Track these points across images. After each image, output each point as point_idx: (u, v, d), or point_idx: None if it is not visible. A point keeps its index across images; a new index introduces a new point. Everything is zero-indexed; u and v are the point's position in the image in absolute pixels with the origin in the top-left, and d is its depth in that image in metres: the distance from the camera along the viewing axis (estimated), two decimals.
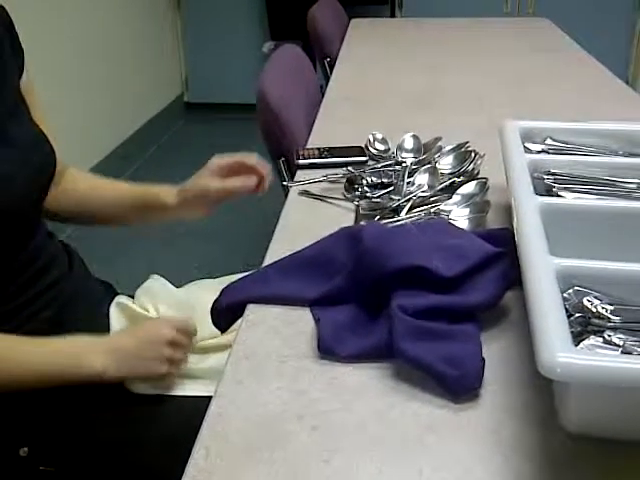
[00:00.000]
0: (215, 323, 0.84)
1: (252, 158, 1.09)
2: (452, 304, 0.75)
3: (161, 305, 1.06)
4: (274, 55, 1.72)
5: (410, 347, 0.69)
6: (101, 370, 0.86)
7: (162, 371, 0.89)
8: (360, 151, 1.27)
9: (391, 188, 1.11)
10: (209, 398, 0.69)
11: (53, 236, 1.03)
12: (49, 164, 0.97)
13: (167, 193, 1.08)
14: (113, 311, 1.03)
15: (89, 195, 1.11)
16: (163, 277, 1.16)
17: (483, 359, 0.70)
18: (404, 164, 1.17)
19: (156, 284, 1.12)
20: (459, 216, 1.01)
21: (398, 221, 1.00)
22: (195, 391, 0.95)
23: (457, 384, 0.67)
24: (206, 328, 1.03)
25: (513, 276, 0.76)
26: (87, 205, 1.11)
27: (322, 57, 2.49)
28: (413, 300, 0.74)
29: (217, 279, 1.16)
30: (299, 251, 0.88)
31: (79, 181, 1.11)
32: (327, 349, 0.74)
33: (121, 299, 1.05)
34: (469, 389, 0.68)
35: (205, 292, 1.13)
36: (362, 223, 1.00)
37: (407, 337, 0.70)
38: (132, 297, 1.09)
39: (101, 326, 1.01)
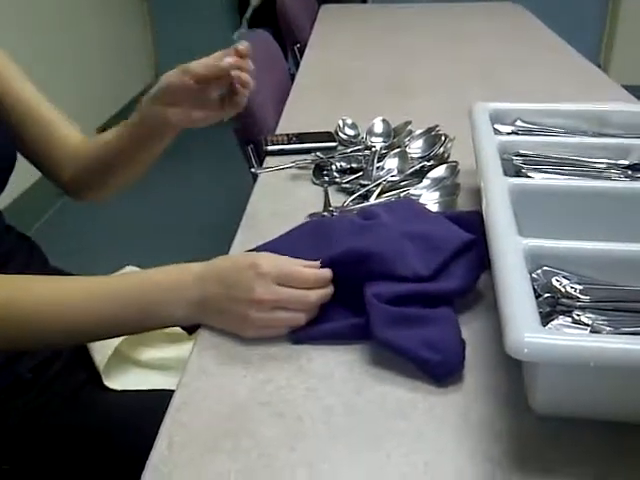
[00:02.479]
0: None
1: (227, 57, 0.91)
2: (427, 291, 0.74)
3: None
4: (243, 38, 1.69)
5: (390, 334, 0.68)
6: (180, 320, 0.76)
7: (248, 335, 0.73)
8: (329, 136, 1.26)
9: (360, 173, 1.10)
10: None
11: (11, 230, 1.00)
12: (6, 157, 0.93)
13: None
14: None
15: (101, 150, 1.02)
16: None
17: (463, 341, 0.69)
18: (373, 149, 1.16)
19: (129, 270, 1.10)
20: (429, 200, 1.00)
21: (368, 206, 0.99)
22: (167, 384, 0.93)
23: (440, 368, 0.66)
24: None
25: (486, 260, 0.75)
26: (100, 163, 1.02)
27: (292, 43, 2.47)
28: (387, 288, 0.73)
29: None
30: (265, 244, 0.86)
31: (87, 144, 1.04)
32: (299, 338, 0.73)
33: None
34: (452, 372, 0.67)
35: None
36: (332, 211, 0.99)
37: (385, 325, 0.69)
38: None
39: None
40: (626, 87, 1.60)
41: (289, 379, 0.68)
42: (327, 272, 0.75)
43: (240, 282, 0.72)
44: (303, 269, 0.74)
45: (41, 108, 1.00)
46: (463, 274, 0.77)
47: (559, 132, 1.02)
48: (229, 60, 0.88)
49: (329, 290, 0.75)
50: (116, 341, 0.94)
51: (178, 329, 1.00)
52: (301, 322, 0.73)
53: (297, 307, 0.73)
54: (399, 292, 0.73)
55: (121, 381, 0.94)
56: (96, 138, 1.04)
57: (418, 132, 1.18)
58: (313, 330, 0.73)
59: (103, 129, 1.04)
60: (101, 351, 0.93)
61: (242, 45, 0.90)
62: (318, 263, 0.76)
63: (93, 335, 0.81)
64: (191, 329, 0.76)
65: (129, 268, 1.09)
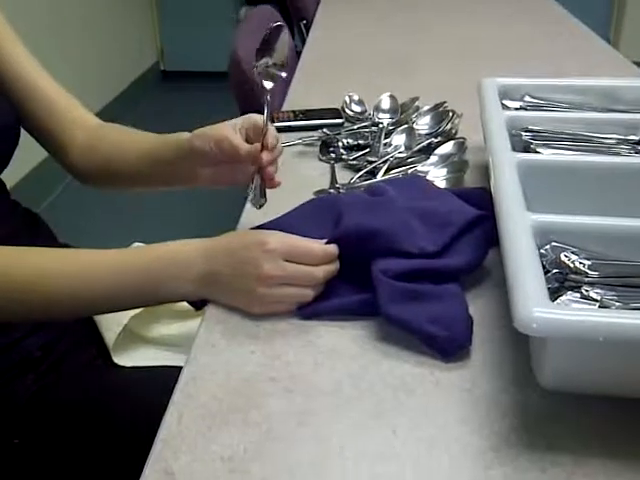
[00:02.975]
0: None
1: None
2: (434, 267, 0.74)
3: None
4: (248, 15, 1.68)
5: (398, 310, 0.69)
6: (186, 295, 0.76)
7: (255, 311, 0.73)
8: (336, 113, 1.25)
9: (367, 150, 1.09)
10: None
11: (17, 206, 0.99)
12: (9, 130, 0.92)
13: (183, 136, 0.92)
14: None
15: (117, 148, 1.00)
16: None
17: (470, 317, 0.69)
18: (380, 125, 1.15)
19: (137, 246, 1.10)
20: (436, 176, 1.00)
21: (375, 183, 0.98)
22: (176, 360, 0.93)
23: (448, 344, 0.66)
24: None
25: (493, 237, 0.74)
26: (114, 159, 0.99)
27: (298, 20, 2.45)
28: (394, 264, 0.73)
29: None
30: (271, 221, 0.85)
31: (107, 134, 1.02)
32: (307, 314, 0.73)
33: None
34: (459, 348, 0.67)
35: None
36: (339, 188, 0.98)
37: (393, 300, 0.69)
38: None
39: None
40: (636, 63, 1.58)
41: (297, 354, 0.68)
42: (334, 248, 0.75)
43: (247, 258, 0.72)
44: (310, 245, 0.74)
45: (45, 88, 0.98)
46: (470, 250, 0.77)
47: (568, 108, 1.01)
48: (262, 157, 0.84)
49: (335, 266, 0.75)
50: (125, 318, 0.94)
51: (186, 305, 1.00)
52: (309, 298, 0.73)
53: (304, 283, 0.73)
54: (406, 268, 0.73)
55: (130, 358, 0.94)
56: (121, 134, 1.02)
57: (425, 108, 1.17)
58: (320, 306, 0.73)
59: (103, 112, 1.03)
60: (110, 328, 0.94)
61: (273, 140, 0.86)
62: (324, 240, 0.76)
63: (97, 307, 0.81)
64: (199, 305, 0.77)
65: (136, 244, 1.09)
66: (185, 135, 0.89)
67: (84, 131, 1.00)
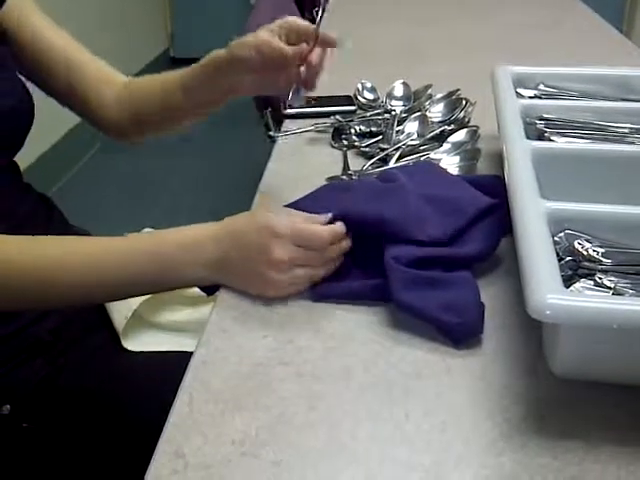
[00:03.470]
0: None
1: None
2: (445, 255, 0.74)
3: None
4: (260, 1, 1.68)
5: (410, 297, 0.68)
6: (197, 281, 0.77)
7: (269, 295, 0.73)
8: (349, 100, 1.25)
9: (380, 137, 1.09)
10: None
11: (30, 189, 1.00)
12: (23, 111, 0.93)
13: (218, 52, 0.91)
14: None
15: (146, 88, 1.01)
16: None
17: (482, 304, 0.69)
18: (393, 112, 1.15)
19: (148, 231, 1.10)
20: (449, 164, 0.99)
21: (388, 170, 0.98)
22: (186, 346, 0.94)
23: (460, 331, 0.66)
24: None
25: (506, 225, 0.74)
26: (143, 106, 1.01)
27: (311, 7, 2.44)
28: (406, 251, 0.73)
29: None
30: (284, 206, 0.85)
31: (135, 84, 1.03)
32: (319, 296, 0.73)
33: None
34: (472, 335, 0.67)
35: None
36: (351, 174, 0.98)
37: (405, 287, 0.69)
38: None
39: None
40: None
41: (309, 340, 0.68)
42: (341, 227, 0.74)
43: (257, 244, 0.72)
44: (317, 229, 0.74)
45: (66, 48, 0.99)
46: (483, 238, 0.76)
47: (582, 96, 1.01)
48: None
49: (346, 243, 0.75)
50: (135, 303, 0.95)
51: (197, 291, 1.00)
52: (320, 277, 0.73)
53: (316, 263, 0.73)
54: (418, 255, 0.72)
55: (140, 343, 0.95)
56: (150, 80, 1.03)
57: (438, 96, 1.17)
58: (332, 288, 0.73)
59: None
60: (120, 313, 0.94)
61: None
62: (330, 216, 0.75)
63: (109, 295, 0.82)
64: (210, 290, 0.77)
65: (147, 230, 1.09)
66: (219, 51, 0.90)
67: (112, 87, 1.00)
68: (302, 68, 0.88)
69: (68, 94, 1.00)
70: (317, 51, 0.88)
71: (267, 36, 0.85)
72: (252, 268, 0.72)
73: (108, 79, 1.01)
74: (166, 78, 0.98)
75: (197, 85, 0.93)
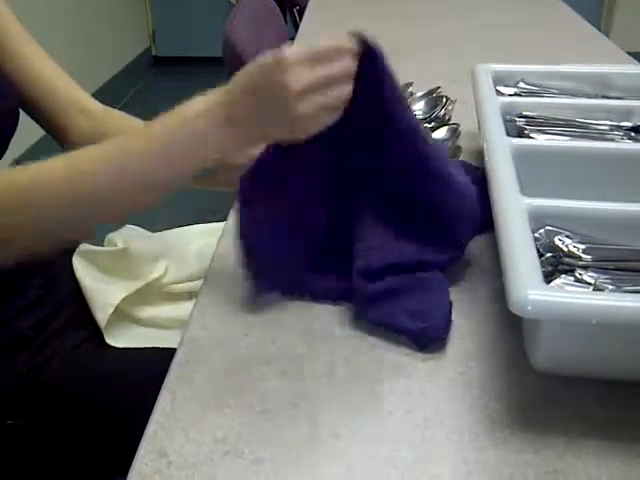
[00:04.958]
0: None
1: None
2: (418, 260, 0.72)
3: (133, 242, 1.03)
4: (241, 1, 1.67)
5: (376, 314, 0.68)
6: (220, 149, 0.68)
7: (299, 137, 0.66)
8: None
9: None
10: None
11: None
12: (10, 115, 0.92)
13: None
14: (76, 261, 0.99)
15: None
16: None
17: (450, 304, 0.69)
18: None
19: (130, 229, 1.09)
20: None
21: None
22: (169, 342, 0.93)
23: (422, 336, 0.66)
24: (179, 272, 1.01)
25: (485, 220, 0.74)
26: None
27: (291, 6, 2.44)
28: (376, 260, 0.71)
29: (190, 227, 1.14)
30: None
31: (112, 122, 0.99)
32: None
33: (84, 247, 1.02)
34: (435, 340, 0.66)
35: (179, 238, 1.11)
36: None
37: (371, 306, 0.69)
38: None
39: (67, 279, 0.98)
40: (628, 54, 1.58)
41: (292, 337, 0.68)
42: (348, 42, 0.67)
43: (270, 84, 0.64)
44: (327, 44, 0.66)
45: (48, 72, 0.97)
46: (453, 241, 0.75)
47: (562, 94, 1.01)
48: None
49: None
50: (117, 299, 0.94)
51: (178, 287, 1.00)
52: (348, 93, 0.66)
53: (340, 79, 0.65)
54: (389, 262, 0.71)
55: (123, 339, 0.94)
56: (133, 126, 0.98)
57: (419, 94, 1.17)
58: (304, 284, 0.73)
59: (95, 96, 1.02)
60: (103, 309, 0.93)
61: None
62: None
63: (137, 195, 0.74)
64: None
65: (130, 227, 1.09)
66: None
67: (87, 116, 0.99)
68: None
69: (45, 118, 0.97)
70: None
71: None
72: (274, 113, 0.65)
73: (85, 107, 0.99)
74: None
75: None
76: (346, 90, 0.66)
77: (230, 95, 0.67)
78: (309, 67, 0.64)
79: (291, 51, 0.64)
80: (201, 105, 0.67)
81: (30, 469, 0.86)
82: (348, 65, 0.66)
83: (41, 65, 0.96)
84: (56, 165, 0.71)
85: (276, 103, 0.64)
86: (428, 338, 0.66)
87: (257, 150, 0.71)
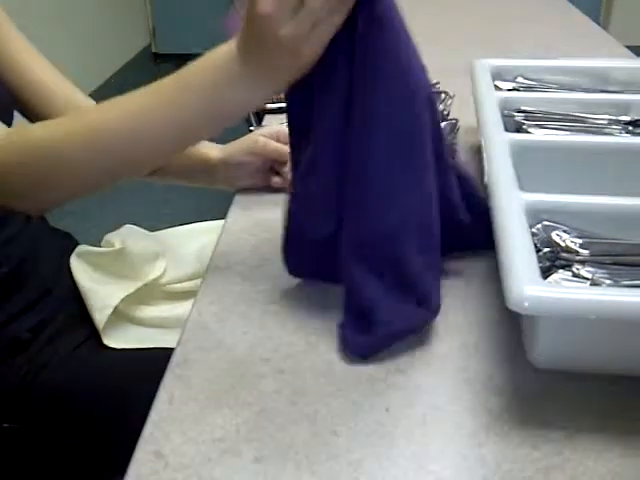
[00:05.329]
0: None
1: None
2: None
3: (130, 242, 1.03)
4: None
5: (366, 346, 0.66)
6: (243, 99, 0.66)
7: (306, 61, 0.62)
8: None
9: None
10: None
11: None
12: (4, 114, 0.91)
13: (210, 146, 0.97)
14: (74, 263, 0.99)
15: None
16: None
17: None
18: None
19: (128, 229, 1.09)
20: None
21: None
22: (167, 342, 0.93)
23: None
24: (177, 271, 1.01)
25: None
26: None
27: None
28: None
29: (189, 226, 1.14)
30: None
31: None
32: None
33: (82, 248, 1.02)
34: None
35: (177, 237, 1.11)
36: None
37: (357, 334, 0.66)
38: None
39: (65, 281, 0.98)
40: (626, 47, 1.58)
41: (290, 335, 0.68)
42: None
43: (254, 22, 0.61)
44: None
45: (40, 71, 0.97)
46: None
47: (560, 89, 1.01)
48: None
49: None
50: (116, 301, 0.94)
51: (177, 287, 1.00)
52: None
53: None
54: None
55: (120, 340, 0.94)
56: None
57: None
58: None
59: (93, 97, 1.02)
60: (101, 311, 0.93)
61: None
62: None
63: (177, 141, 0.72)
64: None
65: (128, 226, 1.09)
66: (211, 153, 0.95)
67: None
68: None
69: (38, 117, 0.98)
70: None
71: (264, 140, 0.92)
72: (265, 47, 0.62)
73: (75, 106, 0.98)
74: None
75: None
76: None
77: (236, 51, 0.64)
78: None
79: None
80: (216, 60, 0.66)
81: (27, 472, 0.86)
82: None
83: (34, 65, 0.96)
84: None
85: (263, 36, 0.61)
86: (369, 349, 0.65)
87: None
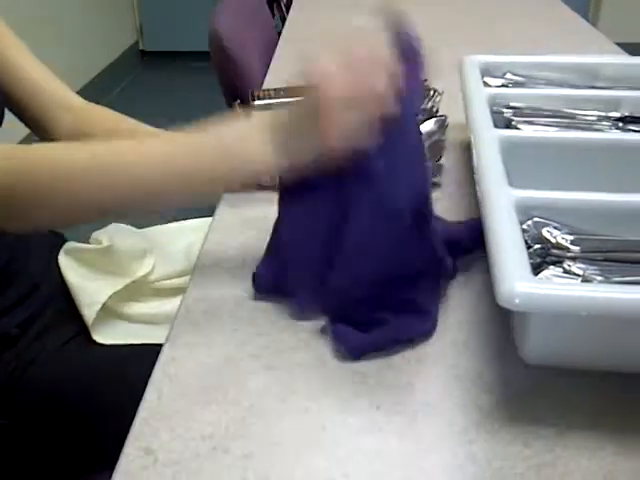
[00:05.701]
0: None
1: None
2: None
3: (118, 239, 1.02)
4: None
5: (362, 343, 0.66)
6: (262, 162, 0.67)
7: (336, 144, 0.63)
8: None
9: None
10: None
11: None
12: None
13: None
14: (62, 260, 0.99)
15: (107, 136, 0.94)
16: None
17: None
18: None
19: (116, 226, 1.08)
20: None
21: None
22: (156, 338, 0.93)
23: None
24: (165, 268, 1.01)
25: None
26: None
27: None
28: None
29: (177, 223, 1.13)
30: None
31: (95, 117, 0.98)
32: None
33: (70, 245, 1.01)
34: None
35: (165, 234, 1.10)
36: None
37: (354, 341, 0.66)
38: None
39: (53, 277, 0.98)
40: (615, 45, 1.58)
41: (279, 332, 0.67)
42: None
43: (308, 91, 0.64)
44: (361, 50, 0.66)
45: (29, 68, 0.95)
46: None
47: (549, 85, 1.01)
48: None
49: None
50: (104, 297, 0.93)
51: (166, 284, 1.00)
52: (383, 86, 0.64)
53: (379, 75, 0.64)
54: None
55: (110, 335, 0.94)
56: (117, 122, 0.98)
57: None
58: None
59: (80, 94, 1.01)
60: (90, 307, 0.93)
61: None
62: None
63: (170, 196, 0.72)
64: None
65: (115, 224, 1.08)
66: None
67: (69, 113, 0.97)
68: None
69: (27, 114, 0.96)
70: None
71: None
72: (311, 120, 0.63)
73: (67, 103, 0.98)
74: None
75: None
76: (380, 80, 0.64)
77: (276, 118, 0.67)
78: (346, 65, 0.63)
79: (329, 58, 0.64)
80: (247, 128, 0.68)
81: (16, 467, 0.86)
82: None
83: (23, 62, 0.95)
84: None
85: (313, 108, 0.63)
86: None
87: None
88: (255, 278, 0.72)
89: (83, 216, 0.72)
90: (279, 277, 0.71)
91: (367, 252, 0.67)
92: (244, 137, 0.67)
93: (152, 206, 0.74)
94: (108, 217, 0.74)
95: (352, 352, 0.64)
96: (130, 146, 0.70)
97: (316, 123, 0.63)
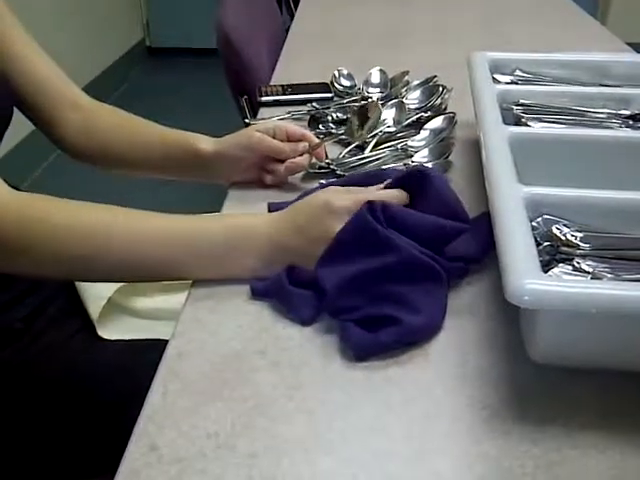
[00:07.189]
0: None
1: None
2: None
3: None
4: None
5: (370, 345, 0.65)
6: (255, 270, 0.72)
7: None
8: (325, 87, 1.23)
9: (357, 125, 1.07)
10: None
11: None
12: (4, 114, 0.90)
13: (203, 139, 0.95)
14: None
15: (114, 134, 0.99)
16: None
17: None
18: (370, 99, 1.13)
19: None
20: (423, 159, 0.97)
21: (363, 159, 0.97)
22: (162, 334, 0.92)
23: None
24: None
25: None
26: (112, 146, 0.99)
27: None
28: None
29: None
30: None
31: (103, 117, 1.00)
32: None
33: None
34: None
35: None
36: (329, 163, 0.96)
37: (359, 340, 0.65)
38: None
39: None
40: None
41: (286, 329, 0.67)
42: (400, 192, 0.73)
43: (316, 224, 0.70)
44: (377, 193, 0.72)
45: (39, 66, 0.95)
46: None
47: (558, 82, 1.00)
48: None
49: (405, 197, 0.73)
50: (110, 291, 0.93)
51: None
52: None
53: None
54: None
55: (115, 331, 0.93)
56: (124, 121, 1.01)
57: (415, 83, 1.16)
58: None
59: (87, 91, 1.01)
60: (95, 301, 0.92)
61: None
62: (389, 181, 0.75)
63: (163, 273, 0.75)
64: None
65: None
66: (206, 145, 0.93)
67: (78, 111, 0.98)
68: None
69: (35, 112, 0.97)
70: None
71: (260, 136, 0.91)
72: (314, 249, 0.69)
73: (75, 102, 0.98)
74: (145, 132, 0.99)
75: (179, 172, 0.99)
76: None
77: (280, 231, 0.72)
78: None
79: (340, 199, 0.70)
80: (254, 230, 0.72)
81: (20, 464, 0.85)
82: None
83: (33, 61, 0.95)
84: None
85: (317, 241, 0.69)
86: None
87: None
88: (253, 290, 0.72)
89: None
90: (275, 287, 0.71)
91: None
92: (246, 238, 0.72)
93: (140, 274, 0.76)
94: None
95: (358, 353, 0.63)
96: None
97: (318, 249, 0.69)
